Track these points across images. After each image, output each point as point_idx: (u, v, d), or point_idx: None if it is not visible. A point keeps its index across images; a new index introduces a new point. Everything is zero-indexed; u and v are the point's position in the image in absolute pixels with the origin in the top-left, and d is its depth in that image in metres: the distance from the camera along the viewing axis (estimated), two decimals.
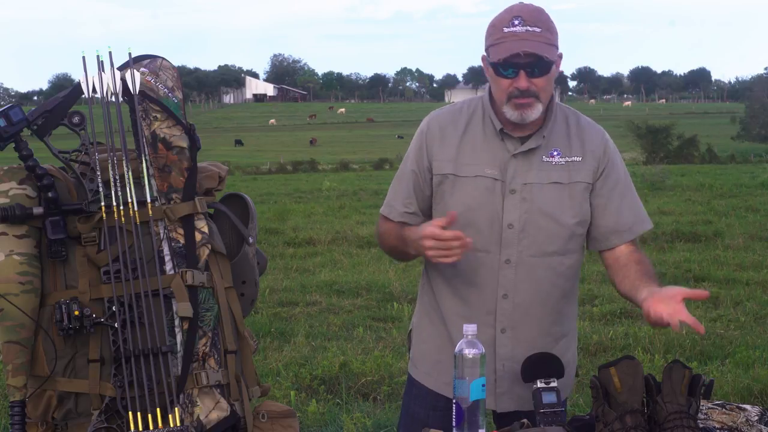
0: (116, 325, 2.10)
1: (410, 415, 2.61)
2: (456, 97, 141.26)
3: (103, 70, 2.20)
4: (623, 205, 2.48)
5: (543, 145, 2.42)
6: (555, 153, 2.43)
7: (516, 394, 2.45)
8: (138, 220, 2.16)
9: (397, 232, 2.49)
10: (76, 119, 2.18)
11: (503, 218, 2.41)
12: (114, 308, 2.11)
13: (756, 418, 2.23)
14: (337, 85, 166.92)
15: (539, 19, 2.33)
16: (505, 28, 2.32)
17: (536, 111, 2.36)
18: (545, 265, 2.43)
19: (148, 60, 2.28)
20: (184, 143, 2.24)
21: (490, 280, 2.43)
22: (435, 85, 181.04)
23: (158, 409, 2.09)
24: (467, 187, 2.42)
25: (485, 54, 2.40)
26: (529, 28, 2.31)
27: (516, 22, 2.31)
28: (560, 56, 2.39)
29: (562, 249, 2.44)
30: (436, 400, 2.53)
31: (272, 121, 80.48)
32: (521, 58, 2.29)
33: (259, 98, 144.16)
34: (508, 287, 2.42)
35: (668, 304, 2.16)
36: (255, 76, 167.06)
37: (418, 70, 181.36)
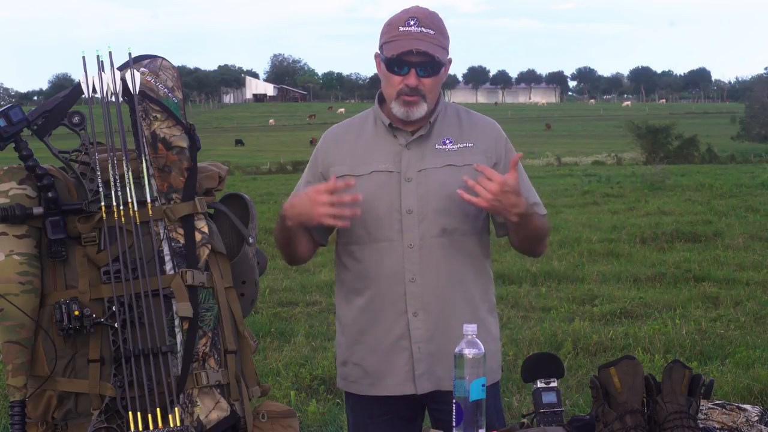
0: (116, 325, 2.10)
1: (352, 425, 2.70)
2: (455, 97, 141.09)
3: (103, 70, 2.20)
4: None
5: (435, 135, 2.55)
6: (447, 141, 2.56)
7: (434, 375, 2.54)
8: (138, 220, 2.15)
9: (280, 220, 2.55)
10: (76, 119, 2.18)
11: (401, 206, 2.51)
12: (114, 308, 2.11)
13: (756, 418, 2.23)
14: (337, 85, 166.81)
15: (433, 22, 2.47)
16: (400, 27, 2.45)
17: (421, 110, 2.49)
18: (447, 245, 2.52)
19: (148, 60, 2.28)
20: (184, 143, 2.24)
21: (397, 267, 2.51)
22: None
23: (158, 409, 2.09)
24: (364, 183, 2.51)
25: (378, 52, 2.52)
26: (423, 29, 2.44)
27: (411, 23, 2.45)
28: (450, 61, 2.53)
29: (461, 228, 2.54)
30: (371, 408, 2.62)
31: (271, 121, 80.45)
32: (413, 56, 2.43)
33: (259, 98, 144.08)
34: (415, 271, 2.51)
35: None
36: (255, 76, 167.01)
37: None
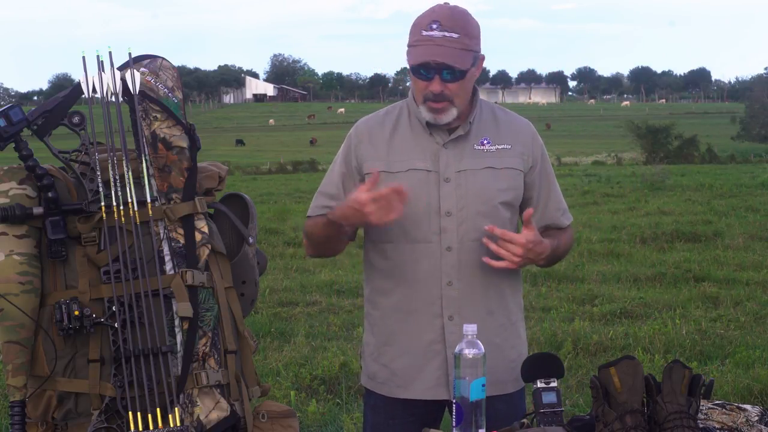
0: (116, 325, 2.10)
1: (371, 425, 2.65)
2: None
3: (103, 70, 2.20)
4: (551, 200, 2.58)
5: (473, 135, 2.48)
6: (485, 141, 2.49)
7: None
8: (138, 220, 2.16)
9: (323, 219, 2.50)
10: (76, 119, 2.19)
11: (440, 207, 2.45)
12: (114, 308, 2.11)
13: (756, 418, 2.23)
14: (337, 85, 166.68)
15: (457, 23, 2.36)
16: (423, 31, 2.36)
17: (450, 115, 2.42)
18: (486, 249, 2.44)
19: (148, 60, 2.28)
20: (184, 143, 2.24)
21: (434, 270, 2.47)
22: None
23: (158, 409, 2.09)
24: (401, 180, 2.43)
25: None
26: (446, 33, 2.34)
27: (434, 27, 2.35)
28: (482, 58, 2.45)
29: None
30: (393, 409, 2.57)
31: (271, 121, 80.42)
32: (434, 63, 2.34)
33: (259, 98, 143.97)
34: (452, 274, 2.46)
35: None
36: (255, 76, 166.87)
37: None
